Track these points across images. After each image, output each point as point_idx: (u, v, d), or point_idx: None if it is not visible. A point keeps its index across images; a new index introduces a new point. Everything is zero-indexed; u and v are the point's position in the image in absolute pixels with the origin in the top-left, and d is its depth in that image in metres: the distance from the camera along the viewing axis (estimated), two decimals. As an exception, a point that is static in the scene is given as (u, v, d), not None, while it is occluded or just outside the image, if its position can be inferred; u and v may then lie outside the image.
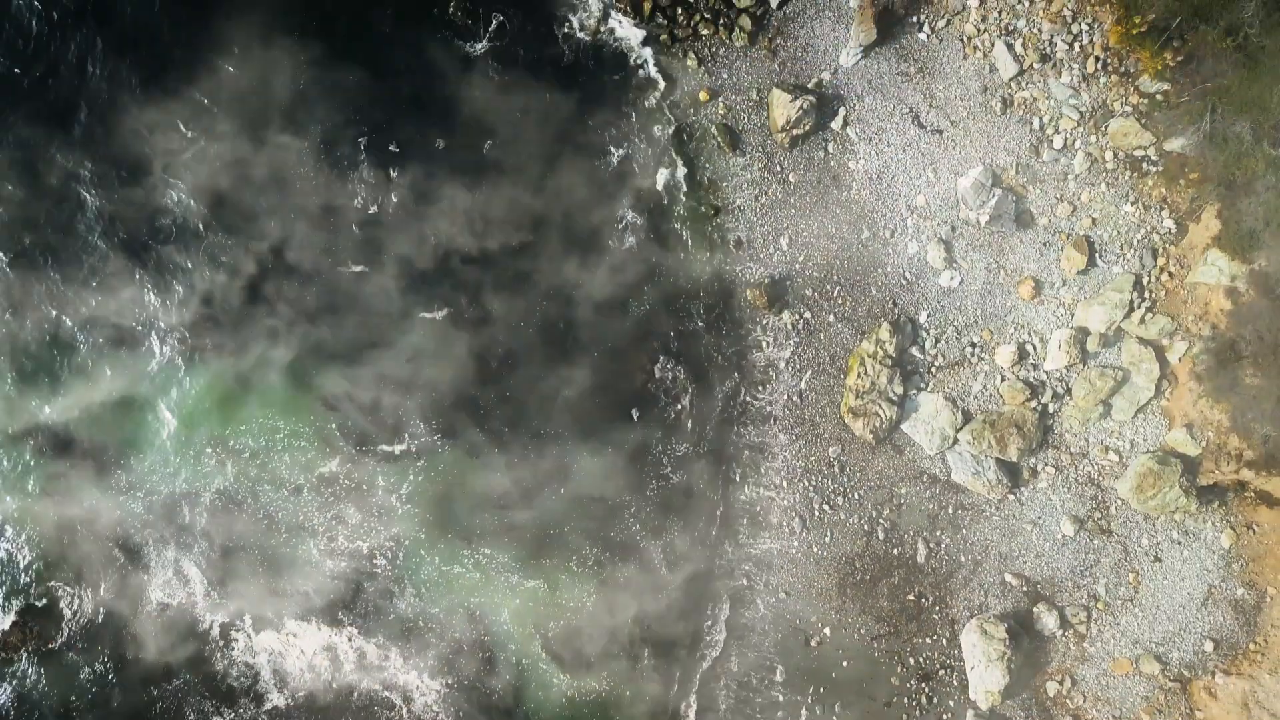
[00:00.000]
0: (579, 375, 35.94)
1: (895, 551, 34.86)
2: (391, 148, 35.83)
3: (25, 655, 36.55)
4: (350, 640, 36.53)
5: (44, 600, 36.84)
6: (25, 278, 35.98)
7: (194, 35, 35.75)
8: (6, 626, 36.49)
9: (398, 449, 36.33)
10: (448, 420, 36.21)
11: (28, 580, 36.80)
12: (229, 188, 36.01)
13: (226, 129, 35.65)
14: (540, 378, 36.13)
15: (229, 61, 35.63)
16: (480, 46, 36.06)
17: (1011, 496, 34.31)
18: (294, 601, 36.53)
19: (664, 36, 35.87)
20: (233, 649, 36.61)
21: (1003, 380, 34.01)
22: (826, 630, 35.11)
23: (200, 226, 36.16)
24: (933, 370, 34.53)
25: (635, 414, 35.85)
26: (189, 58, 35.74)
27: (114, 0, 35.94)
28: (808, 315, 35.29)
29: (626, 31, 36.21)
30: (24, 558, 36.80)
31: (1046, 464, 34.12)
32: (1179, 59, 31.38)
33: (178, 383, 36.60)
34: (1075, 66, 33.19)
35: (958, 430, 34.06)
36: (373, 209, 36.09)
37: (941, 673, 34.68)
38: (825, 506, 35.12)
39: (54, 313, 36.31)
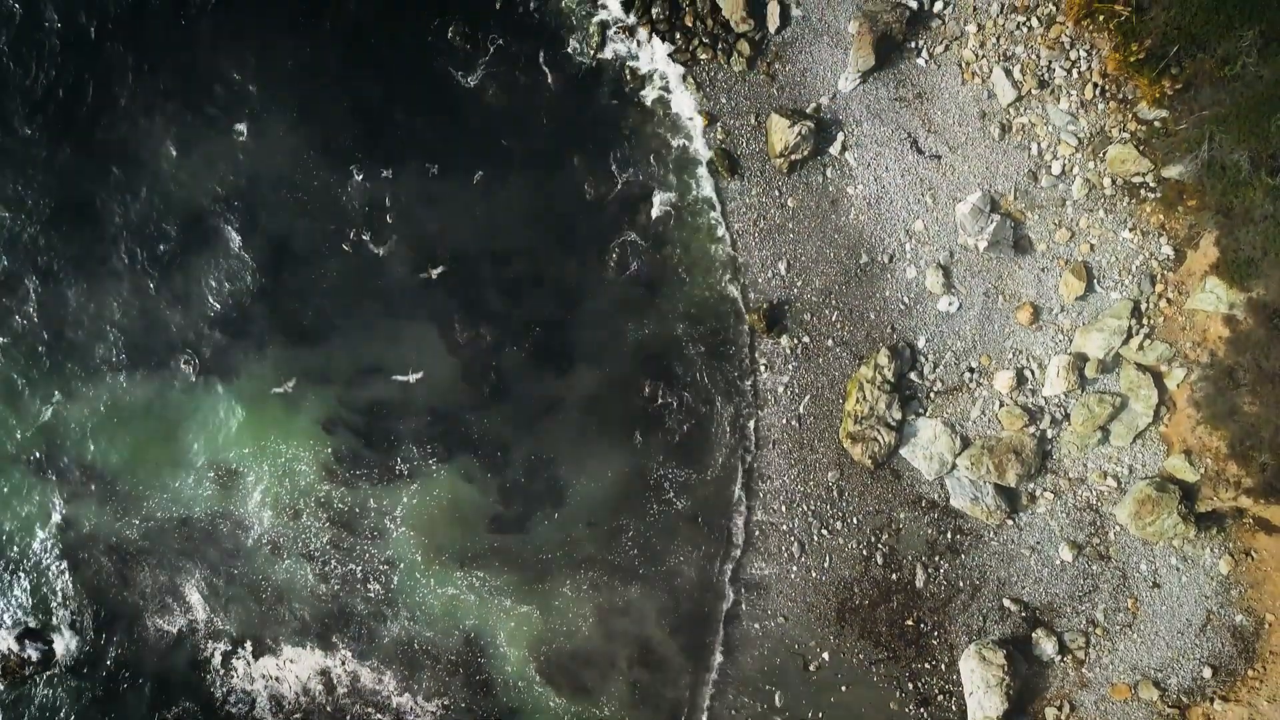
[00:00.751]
0: (575, 399, 35.87)
1: (894, 576, 34.75)
2: (385, 174, 35.87)
3: (26, 680, 36.40)
4: (344, 664, 36.44)
5: (44, 624, 36.70)
6: (43, 293, 36.29)
7: (204, 55, 36.16)
8: (6, 650, 36.31)
9: (392, 472, 36.24)
10: (443, 443, 36.12)
11: (28, 604, 36.68)
12: (232, 202, 36.22)
13: (233, 142, 36.18)
14: (536, 401, 36.04)
15: (238, 79, 36.05)
16: (477, 73, 36.01)
17: (1010, 522, 34.22)
18: (290, 626, 36.46)
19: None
20: (232, 675, 36.55)
21: (1001, 406, 33.94)
22: (825, 655, 34.99)
23: (204, 242, 36.34)
24: (931, 395, 34.46)
25: (637, 437, 35.72)
26: (202, 75, 36.20)
27: (133, 24, 36.35)
28: (806, 340, 35.20)
29: (625, 54, 36.14)
30: (25, 581, 36.69)
31: (1045, 489, 34.04)
32: (1177, 86, 31.33)
33: (183, 405, 36.64)
34: (1073, 92, 33.14)
35: (956, 455, 33.98)
36: (366, 235, 36.10)
37: (940, 698, 34.57)
38: (824, 531, 35.02)
39: (66, 330, 36.54)
